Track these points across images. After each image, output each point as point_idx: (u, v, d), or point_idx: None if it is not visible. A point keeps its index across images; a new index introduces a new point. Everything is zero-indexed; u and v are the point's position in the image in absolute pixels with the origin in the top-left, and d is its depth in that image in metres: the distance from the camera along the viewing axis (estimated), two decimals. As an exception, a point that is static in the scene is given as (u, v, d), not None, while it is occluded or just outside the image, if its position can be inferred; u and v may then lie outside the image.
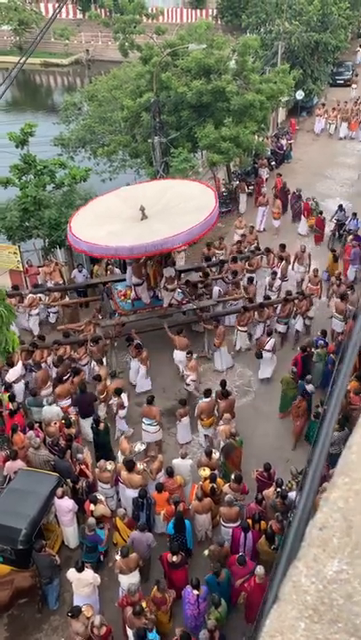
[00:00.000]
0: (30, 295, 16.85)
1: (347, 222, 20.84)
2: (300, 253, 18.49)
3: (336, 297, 16.25)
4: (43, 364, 14.52)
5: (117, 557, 9.91)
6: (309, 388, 13.37)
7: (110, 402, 13.66)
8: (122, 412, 13.57)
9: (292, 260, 18.38)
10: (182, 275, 17.95)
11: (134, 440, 12.62)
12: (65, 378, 13.88)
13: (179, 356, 15.00)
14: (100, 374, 13.92)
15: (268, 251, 18.55)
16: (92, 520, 10.46)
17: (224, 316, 16.86)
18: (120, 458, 11.95)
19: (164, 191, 17.23)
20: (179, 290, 16.69)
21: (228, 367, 15.70)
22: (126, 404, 13.64)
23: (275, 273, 17.59)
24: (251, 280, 17.30)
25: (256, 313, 16.06)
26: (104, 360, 14.81)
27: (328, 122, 31.62)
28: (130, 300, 16.68)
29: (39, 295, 17.15)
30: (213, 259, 18.74)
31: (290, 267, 18.25)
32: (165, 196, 16.86)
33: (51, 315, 17.73)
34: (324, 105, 32.93)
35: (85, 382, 14.09)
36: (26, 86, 53.28)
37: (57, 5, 57.21)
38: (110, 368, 15.00)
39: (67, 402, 13.52)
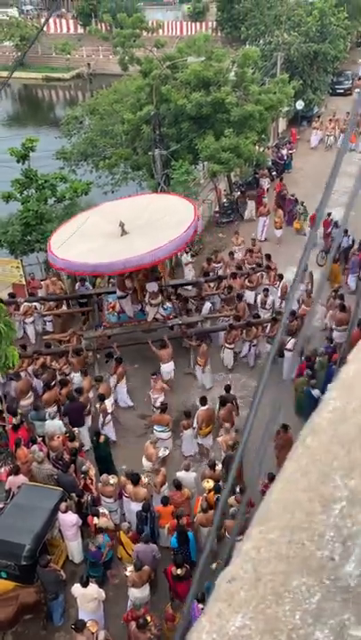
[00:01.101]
0: (25, 304, 17.19)
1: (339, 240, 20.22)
2: (302, 272, 18.10)
3: (333, 309, 16.08)
4: (22, 374, 14.60)
5: (128, 572, 9.85)
6: (316, 393, 13.27)
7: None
8: (106, 419, 13.63)
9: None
10: (178, 289, 17.99)
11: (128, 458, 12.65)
12: (52, 384, 14.01)
13: (166, 368, 15.06)
14: (81, 387, 13.96)
15: (268, 268, 18.13)
16: (97, 538, 10.40)
17: (215, 333, 16.71)
18: (145, 463, 12.00)
19: (146, 206, 17.15)
20: (168, 304, 16.67)
21: (209, 387, 15.43)
22: (110, 410, 13.71)
23: (267, 290, 17.17)
24: (240, 297, 16.92)
25: (244, 331, 15.82)
26: (81, 372, 14.89)
27: (326, 134, 31.33)
28: (116, 313, 16.75)
29: (34, 304, 17.48)
30: (212, 274, 18.62)
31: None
32: (146, 210, 16.76)
33: (47, 324, 17.95)
34: (319, 117, 33.04)
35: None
36: (28, 101, 53.71)
37: (59, 21, 57.85)
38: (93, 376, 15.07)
39: (53, 409, 13.61)
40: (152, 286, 15.96)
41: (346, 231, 19.82)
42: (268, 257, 18.50)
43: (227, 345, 15.91)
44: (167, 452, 12.50)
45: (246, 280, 17.91)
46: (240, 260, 19.28)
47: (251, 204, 24.43)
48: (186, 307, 17.05)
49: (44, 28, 57.40)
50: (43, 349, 15.47)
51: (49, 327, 17.91)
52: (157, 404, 14.00)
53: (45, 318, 17.87)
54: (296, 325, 15.57)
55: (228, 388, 13.83)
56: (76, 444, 12.54)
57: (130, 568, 9.85)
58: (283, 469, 1.67)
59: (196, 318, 16.72)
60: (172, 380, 15.35)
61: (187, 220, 15.69)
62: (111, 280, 18.44)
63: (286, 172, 28.17)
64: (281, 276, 17.68)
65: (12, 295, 17.59)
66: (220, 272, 18.85)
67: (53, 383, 14.11)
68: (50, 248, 15.74)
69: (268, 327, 15.87)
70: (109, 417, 13.72)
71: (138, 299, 16.62)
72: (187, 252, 19.96)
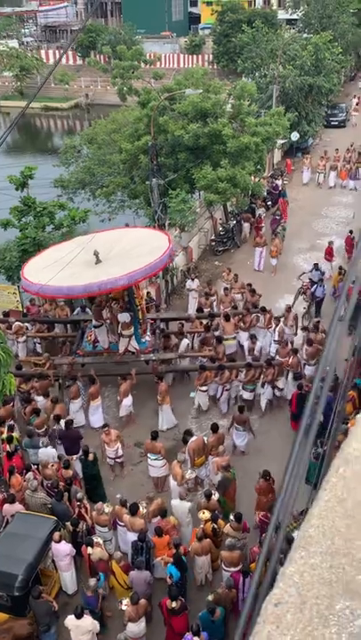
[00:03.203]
0: (17, 323, 17.44)
1: (312, 289, 18.85)
2: (286, 313, 17.13)
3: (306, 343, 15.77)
4: None
5: (124, 606, 9.66)
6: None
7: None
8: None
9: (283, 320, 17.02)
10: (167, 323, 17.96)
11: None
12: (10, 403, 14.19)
13: (126, 402, 14.99)
14: (38, 408, 14.14)
15: (264, 310, 17.37)
16: (92, 581, 10.21)
17: (194, 373, 16.15)
18: (172, 484, 11.95)
19: (120, 238, 17.21)
20: (147, 338, 16.62)
21: (169, 427, 15.05)
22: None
23: (254, 336, 16.37)
24: (220, 339, 16.26)
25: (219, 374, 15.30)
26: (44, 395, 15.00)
27: (317, 171, 30.83)
28: (92, 342, 16.74)
29: (26, 324, 17.72)
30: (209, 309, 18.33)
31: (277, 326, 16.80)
32: (120, 242, 16.80)
33: (36, 345, 18.13)
34: (308, 153, 33.45)
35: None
36: (27, 130, 54.38)
37: (58, 53, 58.97)
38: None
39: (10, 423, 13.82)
40: (124, 317, 15.86)
41: (322, 280, 19.02)
42: (255, 292, 18.25)
43: (198, 387, 15.47)
44: (194, 474, 12.48)
45: (240, 321, 17.37)
46: (231, 298, 18.54)
47: (246, 227, 24.79)
48: (168, 343, 16.74)
49: (44, 59, 58.52)
50: (13, 370, 15.43)
51: (39, 348, 18.01)
52: (120, 453, 13.68)
53: (35, 340, 18.02)
54: (271, 374, 15.05)
55: (241, 409, 13.90)
56: (71, 473, 12.44)
57: (125, 601, 9.67)
58: (318, 497, 1.74)
59: (170, 355, 16.45)
60: (132, 414, 15.24)
61: (161, 247, 15.70)
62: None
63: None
64: (278, 320, 16.92)
65: (5, 314, 18.01)
66: (215, 306, 18.65)
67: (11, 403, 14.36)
68: (23, 274, 15.71)
69: (244, 372, 15.29)
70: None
71: (115, 330, 16.52)
72: (192, 279, 19.91)
